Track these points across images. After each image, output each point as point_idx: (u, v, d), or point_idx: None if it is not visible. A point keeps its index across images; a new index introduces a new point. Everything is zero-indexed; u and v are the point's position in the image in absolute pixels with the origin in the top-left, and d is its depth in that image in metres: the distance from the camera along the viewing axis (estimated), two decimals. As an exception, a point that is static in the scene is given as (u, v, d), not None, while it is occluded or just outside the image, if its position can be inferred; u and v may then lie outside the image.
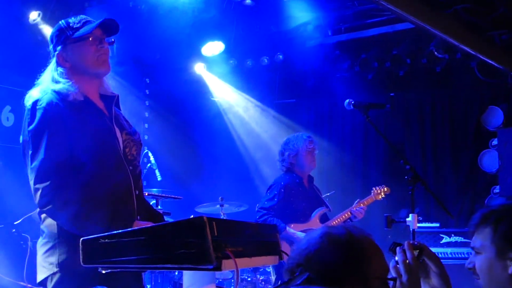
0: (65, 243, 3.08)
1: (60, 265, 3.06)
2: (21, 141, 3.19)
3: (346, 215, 6.70)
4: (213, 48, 9.80)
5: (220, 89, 10.74)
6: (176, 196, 7.23)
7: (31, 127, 3.09)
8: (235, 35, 9.55)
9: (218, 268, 2.22)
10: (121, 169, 3.24)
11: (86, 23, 3.36)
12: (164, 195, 7.07)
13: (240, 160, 10.58)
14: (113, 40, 3.42)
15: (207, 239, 2.17)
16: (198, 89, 10.55)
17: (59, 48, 3.34)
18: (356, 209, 6.69)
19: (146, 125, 10.28)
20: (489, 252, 2.32)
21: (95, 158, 3.11)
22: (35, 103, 3.14)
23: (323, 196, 7.14)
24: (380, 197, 6.91)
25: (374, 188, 6.96)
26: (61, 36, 3.34)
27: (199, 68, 10.43)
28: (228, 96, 10.78)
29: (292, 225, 6.47)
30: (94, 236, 2.46)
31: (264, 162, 10.36)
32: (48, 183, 2.97)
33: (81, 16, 3.42)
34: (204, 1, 8.41)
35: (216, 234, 2.22)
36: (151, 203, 5.85)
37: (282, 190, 6.58)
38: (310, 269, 2.03)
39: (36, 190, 3.00)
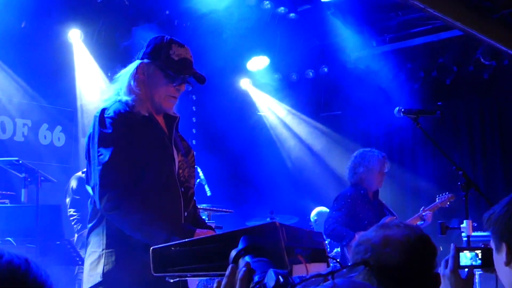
0: (110, 254, 3.10)
1: (105, 275, 3.07)
2: (85, 146, 3.21)
3: (415, 220, 6.74)
4: (258, 62, 9.90)
5: (266, 103, 10.82)
6: (227, 210, 7.28)
7: (101, 131, 3.12)
8: (279, 49, 9.61)
9: (290, 273, 2.20)
10: (173, 189, 3.24)
11: (184, 62, 3.30)
12: (215, 209, 7.11)
13: (288, 173, 10.60)
14: (191, 88, 3.44)
15: (280, 244, 2.15)
16: (244, 104, 10.63)
17: (146, 60, 3.32)
18: (425, 214, 6.73)
19: (194, 142, 10.38)
20: (494, 249, 2.31)
21: (152, 174, 3.15)
22: (103, 111, 3.17)
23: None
24: (445, 204, 6.91)
25: (438, 196, 6.98)
26: (156, 51, 3.31)
27: (244, 83, 10.53)
28: (274, 110, 10.85)
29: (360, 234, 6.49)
30: (165, 244, 2.48)
31: (312, 174, 10.36)
32: (114, 188, 3.01)
33: (183, 47, 3.34)
34: (248, 16, 8.49)
35: (286, 239, 2.22)
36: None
37: (349, 200, 6.65)
38: (375, 273, 2.03)
39: (103, 193, 3.02)
